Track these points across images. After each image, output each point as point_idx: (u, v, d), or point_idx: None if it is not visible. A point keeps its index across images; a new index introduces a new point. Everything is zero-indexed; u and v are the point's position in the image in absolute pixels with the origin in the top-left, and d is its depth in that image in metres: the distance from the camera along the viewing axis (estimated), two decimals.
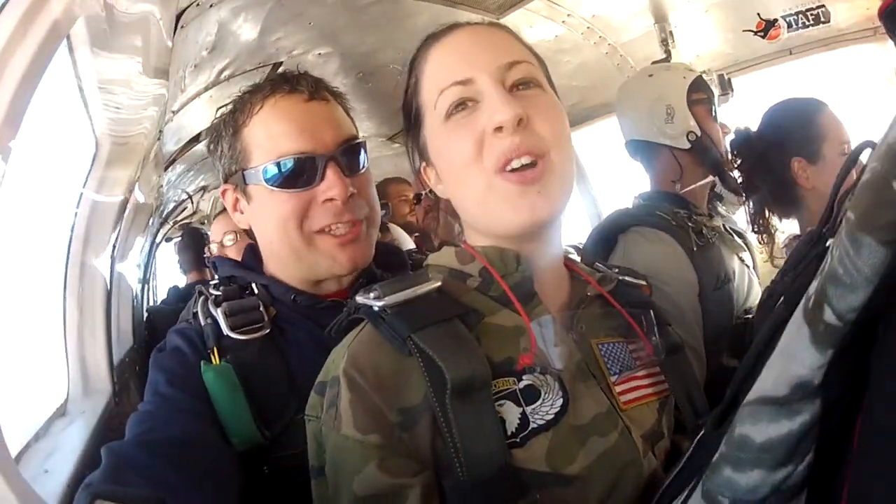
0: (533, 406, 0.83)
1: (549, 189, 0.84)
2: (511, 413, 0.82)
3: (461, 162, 0.87)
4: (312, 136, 1.14)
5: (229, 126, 1.19)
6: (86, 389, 1.91)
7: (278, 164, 1.12)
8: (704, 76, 1.92)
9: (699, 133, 1.84)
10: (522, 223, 0.86)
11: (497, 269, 0.92)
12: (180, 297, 3.62)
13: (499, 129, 0.83)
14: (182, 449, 0.94)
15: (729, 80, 2.06)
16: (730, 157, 1.90)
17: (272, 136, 1.14)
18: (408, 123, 1.00)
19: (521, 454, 0.80)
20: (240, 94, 1.22)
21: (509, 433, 0.80)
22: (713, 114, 1.88)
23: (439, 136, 0.91)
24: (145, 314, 3.30)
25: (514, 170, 0.84)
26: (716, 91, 1.93)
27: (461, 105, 0.87)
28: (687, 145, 1.85)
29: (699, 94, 1.88)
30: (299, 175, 1.13)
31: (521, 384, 0.84)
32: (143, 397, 1.08)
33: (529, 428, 0.81)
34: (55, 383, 1.88)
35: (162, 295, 4.53)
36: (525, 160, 0.83)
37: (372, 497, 0.77)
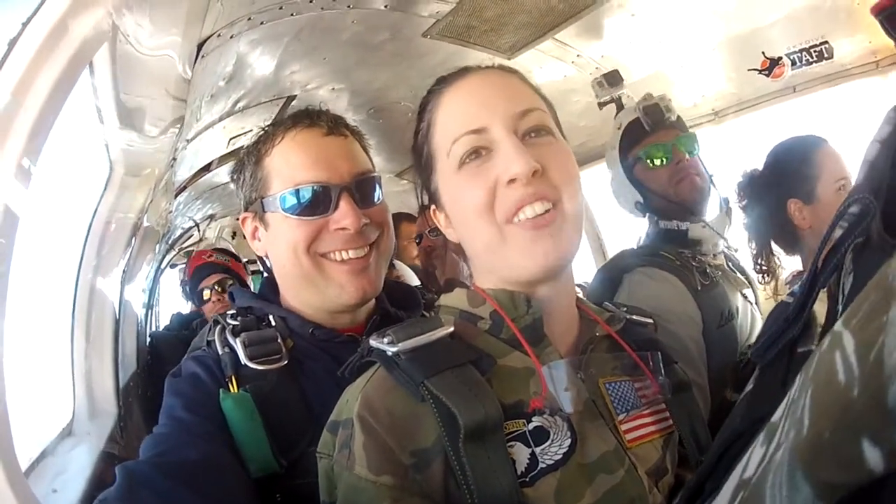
0: (542, 447, 0.84)
1: (561, 234, 0.87)
2: (521, 454, 0.83)
3: (473, 211, 0.89)
4: (328, 167, 1.18)
5: (252, 156, 1.24)
6: (91, 411, 1.91)
7: (294, 193, 1.16)
8: (638, 107, 1.93)
9: (642, 200, 1.90)
10: (536, 269, 0.88)
11: (507, 312, 0.93)
12: (183, 324, 3.63)
13: (513, 180, 0.85)
14: (197, 472, 0.95)
15: (657, 104, 1.90)
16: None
17: (290, 166, 1.18)
18: (419, 166, 1.02)
19: (532, 493, 0.80)
20: (263, 127, 1.27)
21: (519, 473, 0.81)
22: (650, 160, 1.87)
23: (452, 184, 0.93)
24: (148, 339, 3.31)
25: (526, 218, 0.86)
26: (646, 126, 1.90)
27: (474, 153, 0.89)
28: (641, 215, 1.92)
29: (631, 152, 1.92)
30: (314, 204, 1.16)
31: (531, 426, 0.85)
32: (147, 422, 1.09)
33: (538, 468, 0.82)
34: (60, 403, 1.88)
35: (164, 321, 4.55)
36: (538, 208, 0.85)
37: None
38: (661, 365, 1.00)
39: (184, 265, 4.32)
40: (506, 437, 0.83)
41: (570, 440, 0.85)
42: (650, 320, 1.16)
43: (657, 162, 1.86)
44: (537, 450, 0.83)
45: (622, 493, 0.85)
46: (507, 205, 0.86)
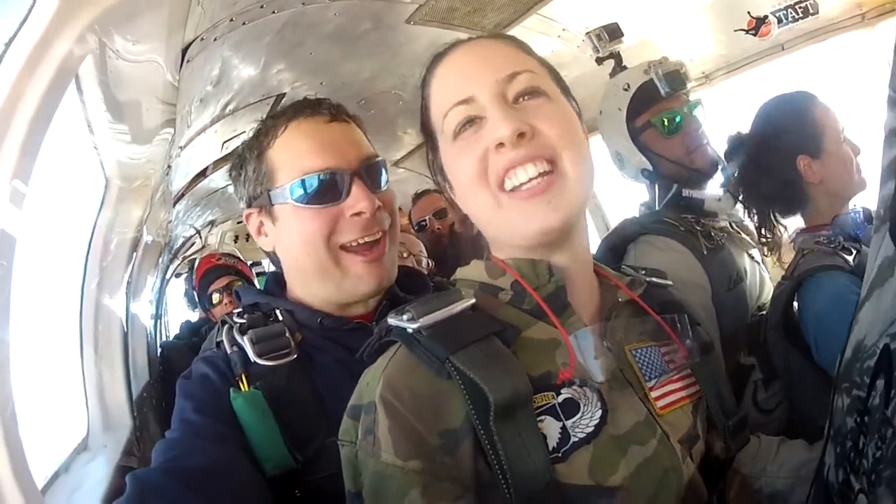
0: (573, 419, 0.81)
1: (560, 197, 0.84)
2: (552, 428, 0.80)
3: (468, 180, 0.88)
4: (336, 153, 1.16)
5: (254, 150, 1.21)
6: (106, 425, 1.92)
7: (304, 182, 1.14)
8: (652, 70, 1.84)
9: (650, 167, 1.84)
10: (534, 232, 0.85)
11: (529, 281, 0.90)
12: (193, 332, 3.63)
13: (500, 144, 0.83)
14: (209, 477, 0.93)
15: (677, 71, 1.83)
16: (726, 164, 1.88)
17: (297, 155, 1.16)
18: (427, 145, 1.00)
19: (564, 469, 0.78)
20: (262, 120, 1.25)
21: (551, 448, 0.78)
22: (666, 127, 1.82)
23: (449, 157, 0.92)
24: (159, 349, 3.31)
25: (521, 185, 0.84)
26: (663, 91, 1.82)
27: (469, 123, 0.88)
28: (646, 181, 1.88)
29: (641, 117, 1.85)
30: (326, 191, 1.14)
31: (560, 398, 0.82)
32: (163, 432, 1.08)
33: (571, 442, 0.79)
34: (74, 418, 1.89)
35: (174, 330, 4.57)
36: (531, 171, 0.83)
37: None
38: (689, 328, 0.97)
39: (186, 273, 4.31)
40: (536, 411, 0.80)
41: (600, 411, 0.83)
42: (669, 282, 1.13)
43: (673, 129, 1.81)
44: (568, 423, 0.80)
45: (656, 465, 0.83)
46: (497, 169, 0.84)
